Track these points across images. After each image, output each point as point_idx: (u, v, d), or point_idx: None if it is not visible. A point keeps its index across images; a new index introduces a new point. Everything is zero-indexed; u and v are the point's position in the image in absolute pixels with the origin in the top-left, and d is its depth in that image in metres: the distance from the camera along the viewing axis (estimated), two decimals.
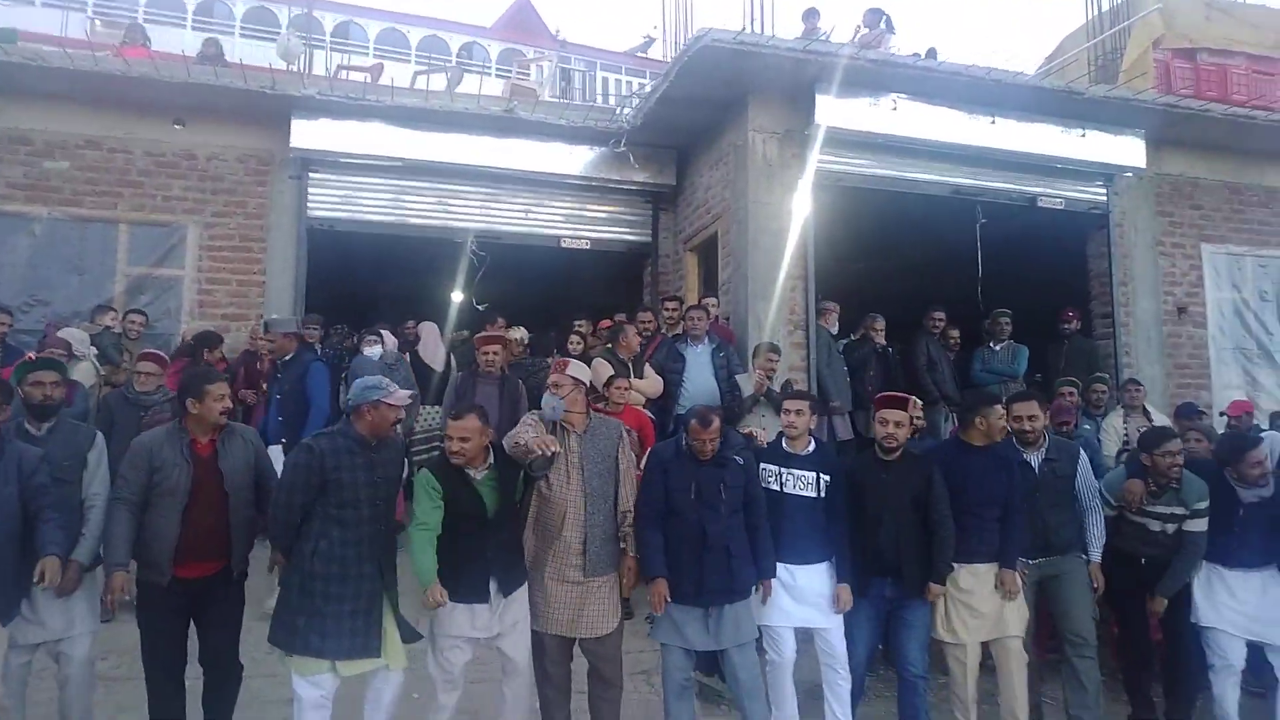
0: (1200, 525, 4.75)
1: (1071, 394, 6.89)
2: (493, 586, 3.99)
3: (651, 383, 6.60)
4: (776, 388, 6.54)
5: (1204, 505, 4.75)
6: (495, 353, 6.29)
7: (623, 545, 4.22)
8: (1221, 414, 7.72)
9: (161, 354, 6.04)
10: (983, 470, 4.62)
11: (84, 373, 6.20)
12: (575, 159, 8.76)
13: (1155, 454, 4.81)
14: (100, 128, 7.91)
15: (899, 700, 4.59)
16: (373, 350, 7.09)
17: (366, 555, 3.81)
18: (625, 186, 9.03)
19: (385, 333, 7.36)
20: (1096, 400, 7.22)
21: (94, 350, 6.53)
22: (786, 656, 4.39)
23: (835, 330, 7.69)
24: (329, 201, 8.41)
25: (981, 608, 4.51)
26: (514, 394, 6.21)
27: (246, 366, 7.08)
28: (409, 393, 4.12)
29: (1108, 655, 5.68)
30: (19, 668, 3.88)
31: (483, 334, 6.78)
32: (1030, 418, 4.78)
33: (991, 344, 8.08)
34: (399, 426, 4.20)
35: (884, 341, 7.76)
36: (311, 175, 8.34)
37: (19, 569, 3.70)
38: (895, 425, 4.48)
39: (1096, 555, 4.81)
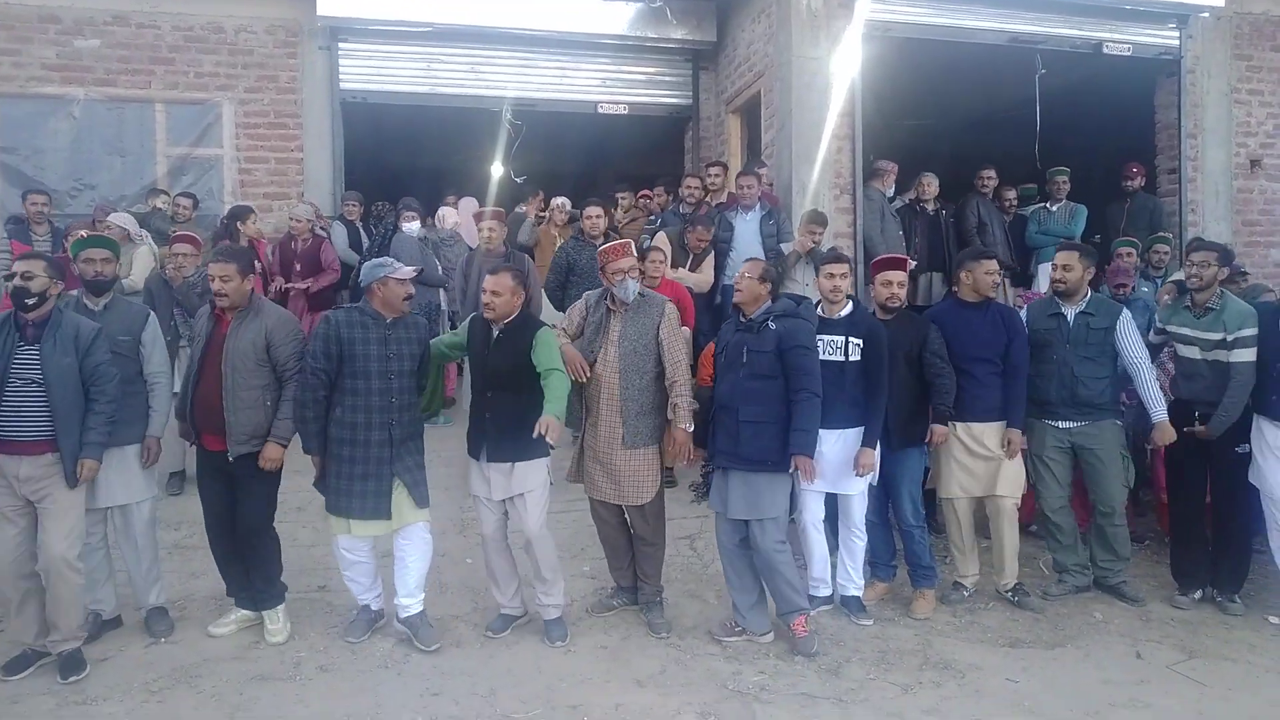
0: (1245, 355, 4.41)
1: (1130, 254, 6.52)
2: (483, 450, 4.11)
3: (703, 277, 6.43)
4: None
5: (1249, 333, 4.42)
6: (493, 229, 6.42)
7: (670, 416, 4.25)
8: None
9: (195, 235, 6.05)
10: (973, 325, 4.61)
11: (143, 256, 6.28)
12: (610, 16, 8.36)
13: (1187, 260, 4.71)
14: (125, 1, 7.73)
15: (903, 549, 4.74)
16: (411, 226, 7.07)
17: (376, 424, 4.00)
18: (663, 45, 8.65)
19: (447, 208, 7.34)
20: (1157, 261, 6.94)
21: (147, 233, 6.60)
22: (808, 520, 4.46)
23: (891, 193, 7.37)
24: (360, 73, 8.23)
25: (974, 467, 4.60)
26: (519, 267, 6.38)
27: (281, 247, 7.11)
28: (413, 269, 4.23)
29: (1153, 521, 5.70)
30: (95, 536, 4.13)
31: (480, 211, 6.82)
32: (1065, 267, 4.66)
33: (1048, 204, 7.75)
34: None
35: (935, 202, 7.46)
36: (341, 45, 8.15)
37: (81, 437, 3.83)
38: (899, 285, 4.55)
39: (1160, 414, 4.60)
